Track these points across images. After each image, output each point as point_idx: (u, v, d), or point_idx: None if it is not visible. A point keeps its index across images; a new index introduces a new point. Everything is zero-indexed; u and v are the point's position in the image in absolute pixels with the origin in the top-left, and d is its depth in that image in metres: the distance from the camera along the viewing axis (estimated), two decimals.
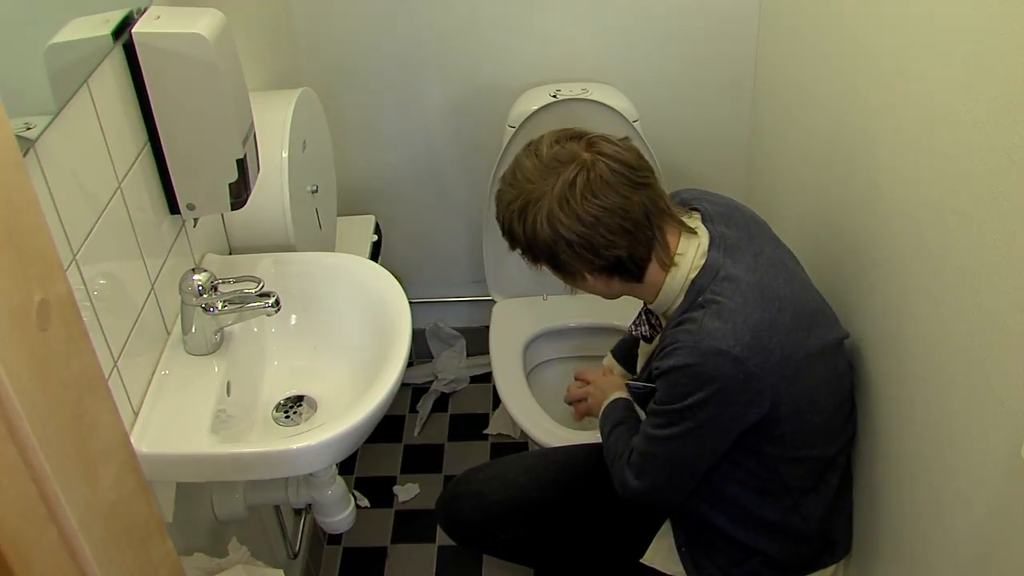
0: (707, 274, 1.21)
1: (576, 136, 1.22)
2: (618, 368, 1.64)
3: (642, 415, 1.48)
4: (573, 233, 1.18)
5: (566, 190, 1.17)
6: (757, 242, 1.26)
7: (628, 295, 1.31)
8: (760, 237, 1.28)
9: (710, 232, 1.24)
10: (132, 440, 1.04)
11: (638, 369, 1.44)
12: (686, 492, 1.30)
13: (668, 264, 1.23)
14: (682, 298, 1.23)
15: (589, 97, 1.86)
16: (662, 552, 1.38)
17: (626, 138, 1.25)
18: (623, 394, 1.44)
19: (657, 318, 1.35)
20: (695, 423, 1.19)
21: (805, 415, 1.22)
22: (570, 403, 1.62)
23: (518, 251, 1.26)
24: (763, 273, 1.21)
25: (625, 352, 1.63)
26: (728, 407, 1.18)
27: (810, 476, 1.28)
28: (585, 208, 1.17)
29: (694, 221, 1.27)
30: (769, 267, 1.23)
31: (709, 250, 1.22)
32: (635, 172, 1.19)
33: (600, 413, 1.45)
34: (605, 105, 1.86)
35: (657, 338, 1.36)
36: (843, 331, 1.30)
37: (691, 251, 1.23)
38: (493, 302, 2.12)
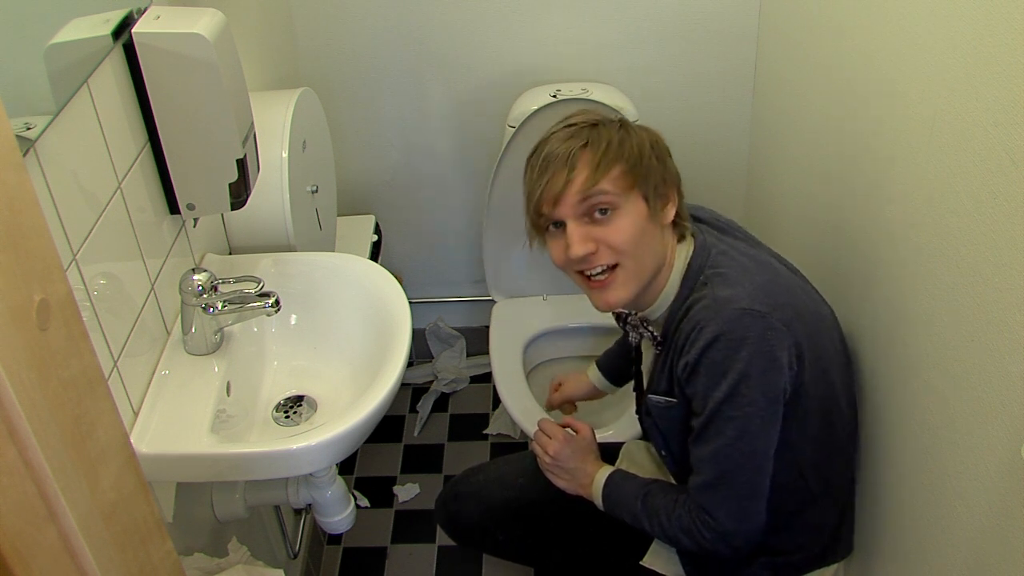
0: (701, 255, 1.22)
1: None
2: (602, 381, 1.65)
3: (648, 449, 1.48)
4: (664, 149, 1.24)
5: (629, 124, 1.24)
6: (731, 232, 1.30)
7: (639, 288, 1.23)
8: (733, 230, 1.31)
9: (691, 228, 1.28)
10: (132, 440, 1.04)
11: (645, 382, 1.39)
12: (766, 499, 1.21)
13: (669, 263, 1.24)
14: (678, 288, 1.23)
15: (589, 97, 1.86)
16: (663, 555, 1.37)
17: None
18: (604, 470, 1.37)
19: (645, 327, 1.32)
20: (751, 406, 1.13)
21: (823, 386, 1.21)
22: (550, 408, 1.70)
23: (617, 167, 1.18)
24: (745, 250, 1.24)
25: (610, 363, 1.64)
26: (768, 373, 1.13)
27: (828, 467, 1.28)
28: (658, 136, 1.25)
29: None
30: (750, 247, 1.27)
31: (695, 236, 1.25)
32: None
33: (599, 501, 1.36)
34: (605, 105, 1.86)
35: (650, 347, 1.33)
36: (829, 308, 1.31)
37: (683, 253, 1.25)
38: (493, 302, 2.12)
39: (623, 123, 1.23)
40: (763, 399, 1.14)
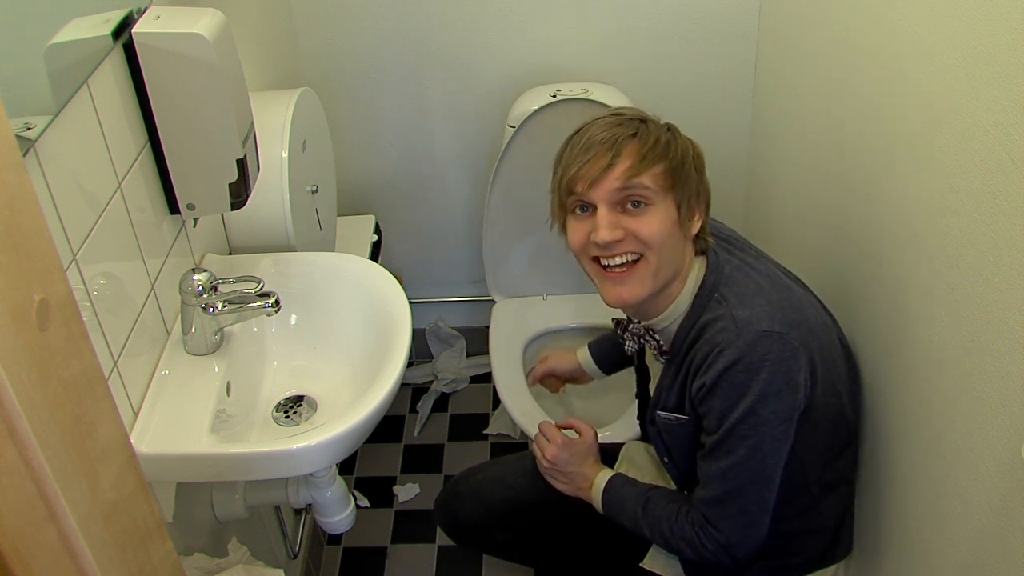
0: (714, 272, 1.22)
1: None
2: (590, 365, 1.62)
3: (649, 459, 1.47)
4: (703, 163, 1.24)
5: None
6: (738, 244, 1.29)
7: (653, 291, 1.21)
8: (739, 242, 1.31)
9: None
10: (132, 440, 1.04)
11: (652, 388, 1.37)
12: (771, 512, 1.22)
13: (683, 276, 1.23)
14: (689, 303, 1.23)
15: (589, 97, 1.86)
16: (663, 557, 1.37)
17: None
18: (604, 474, 1.37)
19: (652, 335, 1.30)
20: (765, 425, 1.14)
21: (831, 397, 1.21)
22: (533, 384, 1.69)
23: (660, 165, 1.17)
24: (756, 265, 1.24)
25: (602, 351, 1.62)
26: (784, 394, 1.13)
27: (831, 473, 1.28)
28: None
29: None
30: (757, 259, 1.26)
31: (708, 254, 1.24)
32: None
33: (599, 504, 1.35)
34: (605, 105, 1.85)
35: (657, 358, 1.32)
36: (831, 315, 1.32)
37: (697, 268, 1.25)
38: (493, 302, 2.12)
39: (670, 127, 1.23)
40: (777, 419, 1.14)
